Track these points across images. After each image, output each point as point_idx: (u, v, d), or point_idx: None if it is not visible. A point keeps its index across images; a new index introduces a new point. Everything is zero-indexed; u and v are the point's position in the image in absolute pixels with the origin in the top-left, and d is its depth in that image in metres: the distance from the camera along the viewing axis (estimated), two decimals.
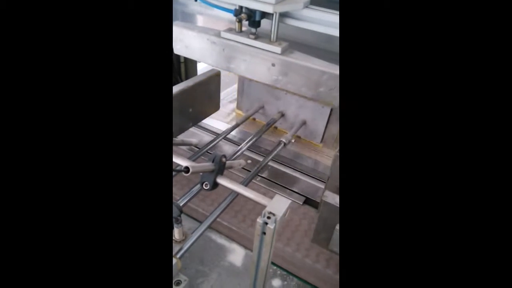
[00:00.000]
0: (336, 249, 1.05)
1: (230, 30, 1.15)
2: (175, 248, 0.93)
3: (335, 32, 1.06)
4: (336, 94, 1.04)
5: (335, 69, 1.03)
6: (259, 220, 0.75)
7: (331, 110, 1.45)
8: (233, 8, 1.08)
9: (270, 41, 1.10)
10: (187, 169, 0.83)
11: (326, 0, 1.11)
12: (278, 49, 1.08)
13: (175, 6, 1.56)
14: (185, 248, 0.95)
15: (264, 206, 0.79)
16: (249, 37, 1.11)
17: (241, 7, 1.07)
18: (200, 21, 1.58)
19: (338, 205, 0.92)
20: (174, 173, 1.00)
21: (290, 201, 0.81)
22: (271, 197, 0.82)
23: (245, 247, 1.21)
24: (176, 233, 0.94)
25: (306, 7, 1.09)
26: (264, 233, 0.76)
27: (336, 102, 1.06)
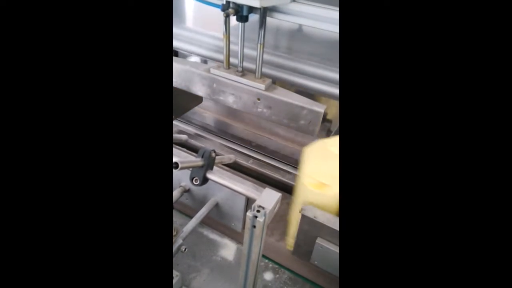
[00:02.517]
0: (318, 262, 1.01)
1: (218, 67, 1.27)
2: None
3: (322, 26, 1.07)
4: (314, 127, 1.16)
5: (313, 105, 1.15)
6: (249, 214, 0.76)
7: (247, 199, 1.04)
8: (220, 3, 1.08)
9: (255, 78, 1.22)
10: (176, 165, 0.83)
11: None
12: (262, 86, 1.19)
13: None
14: (177, 243, 0.95)
15: (254, 200, 0.80)
16: (236, 74, 1.23)
17: (228, 2, 1.06)
18: (190, 22, 1.60)
19: (316, 219, 0.92)
20: None
21: (279, 194, 0.82)
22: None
23: (238, 242, 1.22)
24: None
25: (293, 1, 1.09)
26: (254, 227, 0.77)
27: (314, 133, 1.17)
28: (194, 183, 0.93)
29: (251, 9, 1.08)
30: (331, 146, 1.05)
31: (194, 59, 1.62)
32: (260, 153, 1.57)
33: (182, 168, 0.84)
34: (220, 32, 1.18)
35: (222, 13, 1.07)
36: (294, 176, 1.44)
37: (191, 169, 0.92)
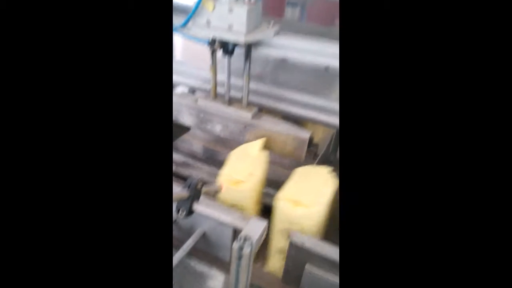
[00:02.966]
0: None
1: (206, 97, 1.31)
2: None
3: (305, 57, 1.12)
4: (300, 153, 1.21)
5: (298, 132, 1.20)
6: (235, 245, 0.76)
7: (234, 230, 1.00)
8: (207, 39, 1.12)
9: (241, 107, 1.25)
10: None
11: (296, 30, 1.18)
12: (249, 115, 1.23)
13: None
14: None
15: (241, 229, 0.80)
16: (223, 104, 1.26)
17: (214, 40, 1.11)
18: (179, 54, 1.65)
19: (304, 247, 0.92)
20: None
21: (265, 222, 0.83)
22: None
23: (226, 271, 1.20)
24: None
25: (277, 34, 1.14)
26: (240, 258, 0.77)
27: (301, 158, 1.21)
28: (181, 214, 0.92)
29: (236, 44, 1.13)
30: (250, 149, 1.18)
31: (181, 89, 1.65)
32: None
33: None
34: (207, 64, 1.23)
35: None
36: None
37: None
